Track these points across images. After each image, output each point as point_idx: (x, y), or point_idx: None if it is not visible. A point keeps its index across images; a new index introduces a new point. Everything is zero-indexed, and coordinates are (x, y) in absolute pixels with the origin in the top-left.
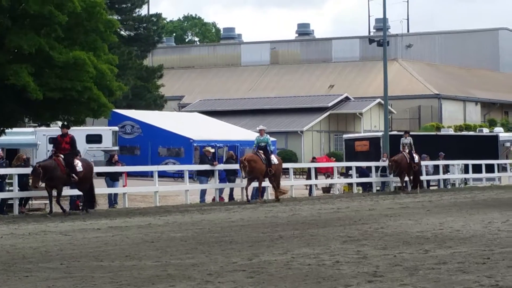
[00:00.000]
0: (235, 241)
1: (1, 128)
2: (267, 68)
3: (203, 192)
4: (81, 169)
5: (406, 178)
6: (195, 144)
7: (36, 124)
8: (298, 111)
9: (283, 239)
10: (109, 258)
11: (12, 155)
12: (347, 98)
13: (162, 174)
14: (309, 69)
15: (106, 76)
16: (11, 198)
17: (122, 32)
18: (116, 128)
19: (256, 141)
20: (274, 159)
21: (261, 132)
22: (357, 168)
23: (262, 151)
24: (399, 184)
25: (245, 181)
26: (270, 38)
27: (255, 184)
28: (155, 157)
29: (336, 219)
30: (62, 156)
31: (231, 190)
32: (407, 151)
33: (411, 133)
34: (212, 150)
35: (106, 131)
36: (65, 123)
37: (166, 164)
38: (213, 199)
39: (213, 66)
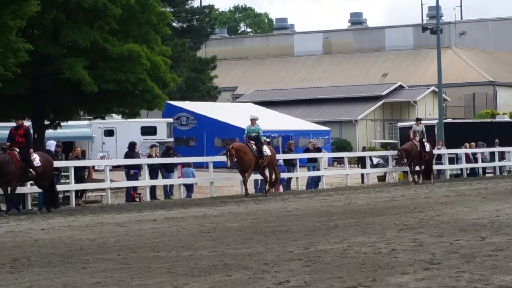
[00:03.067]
0: (291, 231)
1: (57, 122)
2: (320, 57)
3: (257, 182)
4: (39, 164)
5: (413, 168)
6: None
7: (91, 117)
8: (352, 100)
9: (339, 228)
10: (165, 248)
11: (68, 148)
12: (401, 87)
13: (218, 165)
14: (362, 58)
15: (160, 68)
16: (68, 191)
17: (175, 24)
18: (170, 120)
19: (247, 131)
20: (266, 150)
21: (252, 121)
22: None
23: (253, 142)
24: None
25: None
26: (323, 28)
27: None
28: (211, 148)
29: (392, 207)
30: (18, 150)
31: (288, 179)
32: (417, 139)
33: (466, 120)
34: (267, 140)
35: (161, 123)
36: (20, 114)
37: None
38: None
39: (266, 57)
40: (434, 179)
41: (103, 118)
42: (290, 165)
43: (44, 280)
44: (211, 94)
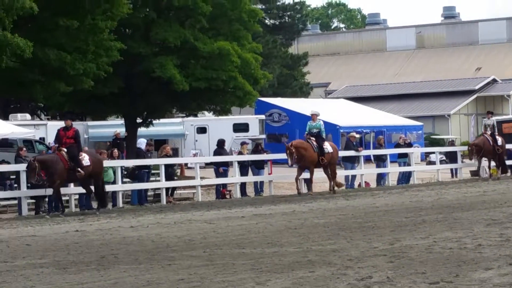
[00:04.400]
0: (378, 226)
1: (149, 120)
2: (413, 52)
3: (348, 178)
4: (89, 163)
5: (489, 163)
6: (341, 130)
7: (184, 115)
8: (445, 95)
9: (426, 224)
10: (251, 245)
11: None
12: (494, 81)
13: None
14: (455, 52)
15: (251, 64)
16: (159, 188)
17: (266, 21)
18: (262, 117)
19: (308, 127)
20: (328, 147)
21: (313, 117)
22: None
23: (314, 138)
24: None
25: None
26: (415, 23)
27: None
28: None
29: (481, 202)
30: (65, 150)
31: (379, 175)
32: (489, 133)
33: None
34: (358, 136)
35: (253, 120)
36: (70, 114)
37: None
38: (359, 185)
39: (358, 52)
40: (505, 173)
41: (195, 115)
42: (380, 160)
43: (129, 277)
44: (303, 90)
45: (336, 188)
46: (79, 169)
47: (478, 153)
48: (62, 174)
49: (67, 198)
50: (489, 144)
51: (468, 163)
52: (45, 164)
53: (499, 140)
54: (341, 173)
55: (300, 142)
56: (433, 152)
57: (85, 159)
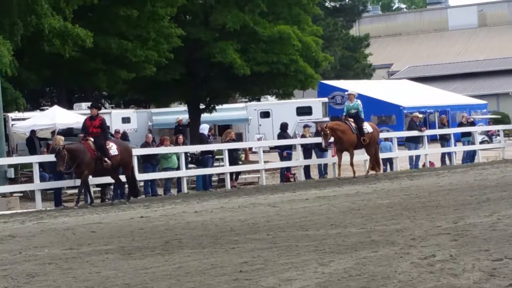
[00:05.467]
0: (441, 205)
1: (212, 105)
2: (475, 31)
3: (412, 158)
4: (116, 153)
5: None
6: (405, 111)
7: (247, 100)
8: (508, 73)
9: (490, 201)
10: (314, 227)
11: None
12: None
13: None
14: None
15: (312, 47)
16: (223, 173)
17: (326, 4)
18: (325, 100)
19: (346, 108)
20: (367, 127)
21: (350, 97)
22: None
23: (352, 120)
24: None
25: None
26: (477, 1)
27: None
28: None
29: None
30: (92, 139)
31: (443, 154)
32: None
33: None
34: (421, 116)
35: (316, 103)
36: (96, 102)
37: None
38: (423, 165)
39: (420, 33)
40: None
41: (258, 100)
42: (444, 140)
43: (193, 261)
44: (365, 72)
45: (374, 172)
46: (106, 159)
47: None
48: (90, 164)
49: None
50: None
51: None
52: (74, 153)
53: None
54: (405, 154)
55: (337, 123)
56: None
57: (113, 149)
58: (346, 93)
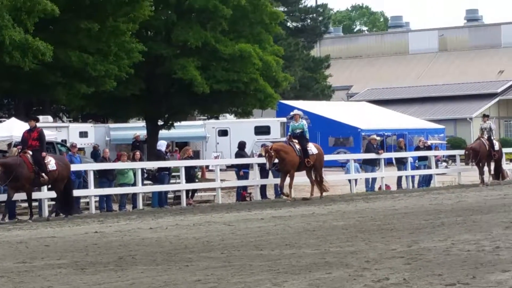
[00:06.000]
0: (396, 229)
1: (170, 122)
2: (436, 55)
3: (368, 181)
4: (54, 167)
5: (484, 168)
6: (363, 133)
7: (205, 117)
8: (467, 98)
9: (444, 226)
10: (269, 247)
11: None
12: None
13: (333, 164)
14: (478, 55)
15: (272, 67)
16: (179, 190)
17: (288, 24)
18: (284, 119)
19: (291, 128)
20: (312, 148)
21: (295, 117)
22: None
23: (296, 140)
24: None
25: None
26: (438, 25)
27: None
28: (325, 147)
29: (501, 205)
30: (30, 153)
31: (399, 178)
32: (486, 137)
33: None
34: (378, 139)
35: (274, 122)
36: (34, 114)
37: (337, 153)
38: (379, 188)
39: (381, 55)
40: (503, 179)
41: (217, 118)
42: (400, 163)
43: (147, 278)
44: (325, 93)
45: (324, 193)
46: (43, 174)
47: (475, 157)
48: (29, 178)
49: (87, 200)
50: (485, 148)
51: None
52: (10, 167)
53: (496, 145)
54: (362, 176)
55: (281, 145)
56: (454, 155)
57: (51, 163)
58: (291, 113)
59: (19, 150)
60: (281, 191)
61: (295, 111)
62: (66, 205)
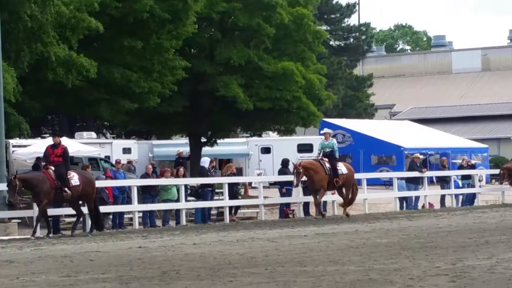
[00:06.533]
0: (440, 246)
1: (213, 139)
2: (479, 75)
3: (411, 199)
4: (78, 183)
5: None
6: (406, 152)
7: (248, 135)
8: (510, 117)
9: (489, 244)
10: (313, 263)
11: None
12: None
13: (375, 182)
14: None
15: (315, 85)
16: (222, 207)
17: (331, 42)
18: None
19: (320, 147)
20: (342, 167)
21: (325, 135)
22: None
23: (327, 159)
24: None
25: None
26: (481, 45)
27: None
28: (367, 165)
29: None
30: (53, 168)
31: (442, 196)
32: None
33: None
34: (421, 157)
35: (317, 140)
36: (57, 130)
37: (380, 171)
38: (423, 206)
39: (424, 74)
40: None
41: (259, 135)
42: (444, 182)
43: None
44: (367, 112)
45: (345, 214)
46: (66, 189)
47: (509, 177)
48: (49, 194)
49: (131, 216)
50: None
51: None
52: (29, 183)
53: None
54: (405, 194)
55: (310, 162)
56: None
57: (74, 179)
58: (321, 131)
59: (43, 166)
60: (319, 208)
61: (325, 130)
62: (95, 221)
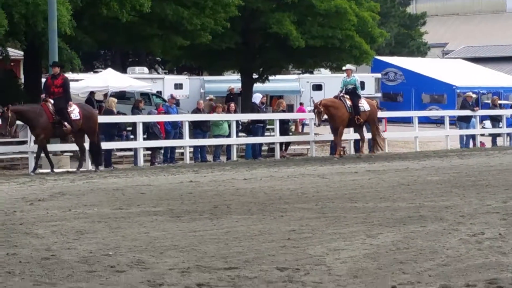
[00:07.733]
0: (491, 185)
1: (265, 75)
2: None
3: (462, 138)
4: (78, 117)
5: None
6: (458, 91)
7: (300, 71)
8: None
9: None
10: (363, 199)
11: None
12: None
13: (426, 121)
14: None
15: (368, 23)
16: (273, 143)
17: None
18: (378, 75)
19: (343, 84)
20: (364, 104)
21: (347, 72)
22: None
23: (348, 96)
24: None
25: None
26: None
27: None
28: (418, 104)
29: None
30: (52, 101)
31: (494, 135)
32: None
33: None
34: (474, 96)
35: (369, 78)
36: (59, 60)
37: (430, 110)
38: (474, 144)
39: (477, 13)
40: None
41: (311, 72)
42: (495, 121)
43: (241, 227)
44: (420, 50)
45: (377, 150)
46: (65, 123)
47: None
48: (46, 128)
49: (182, 150)
50: None
51: None
52: (24, 115)
53: None
54: (456, 133)
55: (331, 100)
56: None
57: (75, 112)
58: (343, 68)
59: (43, 98)
60: (340, 149)
61: (348, 66)
62: (95, 157)
